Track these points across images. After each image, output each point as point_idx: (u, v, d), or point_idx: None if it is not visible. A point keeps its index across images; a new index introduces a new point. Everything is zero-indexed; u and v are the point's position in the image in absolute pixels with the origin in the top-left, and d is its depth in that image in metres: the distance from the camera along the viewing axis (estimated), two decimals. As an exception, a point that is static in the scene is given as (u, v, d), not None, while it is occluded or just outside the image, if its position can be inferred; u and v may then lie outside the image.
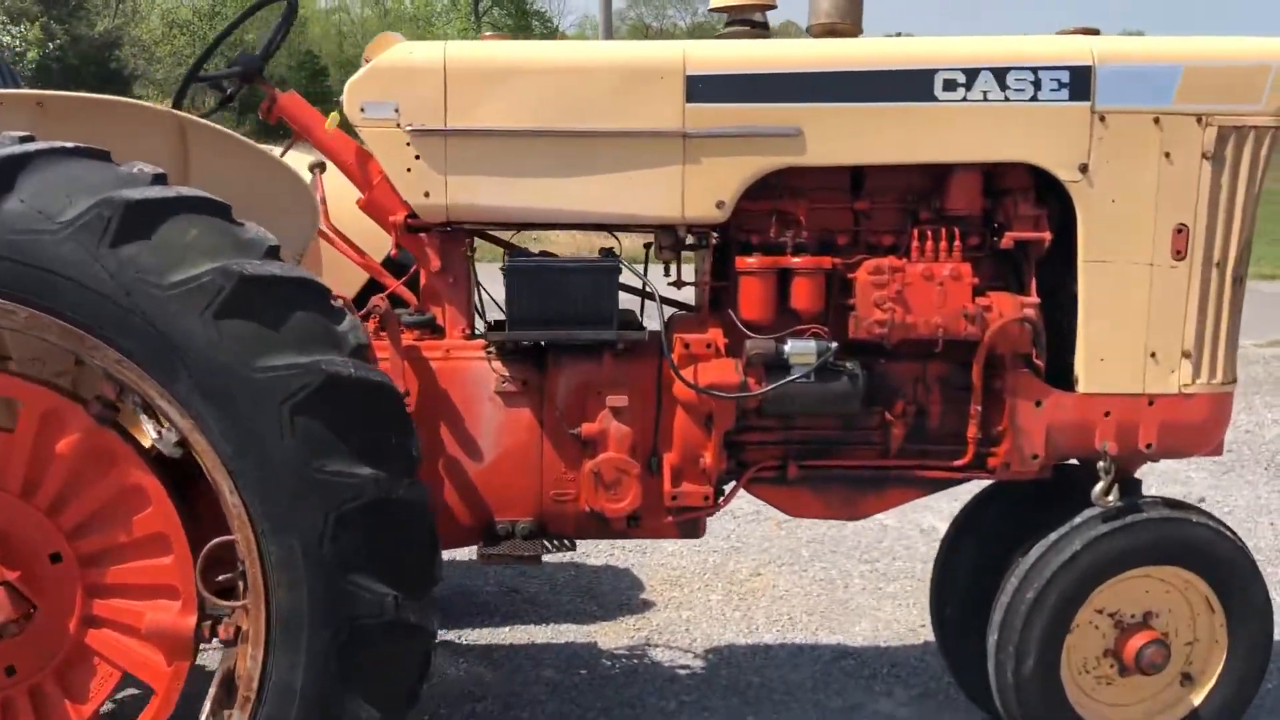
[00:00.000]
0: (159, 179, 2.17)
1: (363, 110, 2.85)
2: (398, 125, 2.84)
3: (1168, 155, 2.89)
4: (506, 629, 4.14)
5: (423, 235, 2.99)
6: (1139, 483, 3.15)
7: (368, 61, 2.89)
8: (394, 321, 2.92)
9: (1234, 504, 5.75)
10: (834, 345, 2.89)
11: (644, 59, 2.87)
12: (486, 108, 2.85)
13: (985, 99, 2.87)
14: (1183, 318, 2.95)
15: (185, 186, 2.27)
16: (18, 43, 32.44)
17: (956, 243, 2.94)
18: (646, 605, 4.41)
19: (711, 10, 3.18)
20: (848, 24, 3.11)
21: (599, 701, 3.58)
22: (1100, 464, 2.98)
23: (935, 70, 2.85)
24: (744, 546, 5.07)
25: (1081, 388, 2.97)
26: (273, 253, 2.18)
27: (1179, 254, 2.92)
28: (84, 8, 38.03)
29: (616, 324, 2.90)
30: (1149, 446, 2.99)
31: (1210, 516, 3.05)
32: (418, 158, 2.86)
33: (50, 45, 34.44)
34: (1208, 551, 3.00)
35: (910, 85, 2.86)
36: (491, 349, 2.97)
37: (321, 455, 2.08)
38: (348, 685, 2.22)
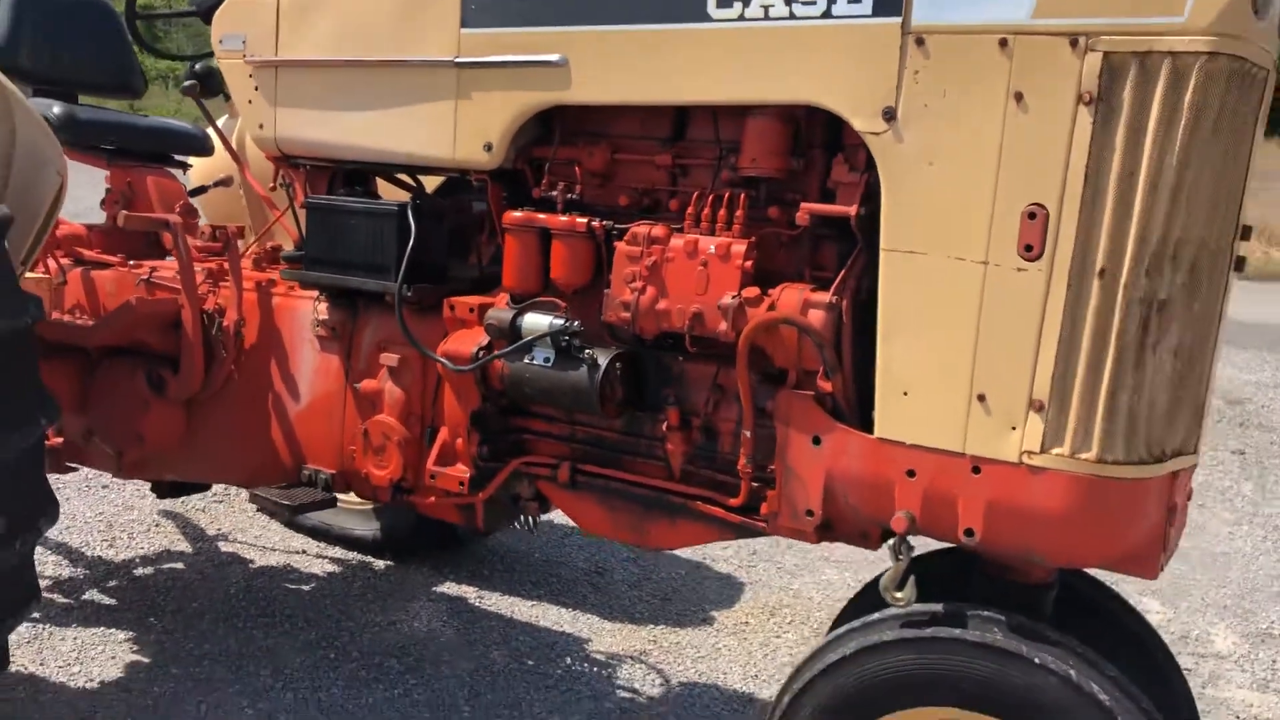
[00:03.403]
0: None
1: (221, 42, 2.90)
2: (244, 57, 2.86)
3: (1019, 97, 1.89)
4: (543, 605, 3.92)
5: (290, 170, 2.97)
6: (1014, 586, 2.15)
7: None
8: (234, 250, 2.95)
9: None
10: (572, 324, 2.35)
11: (425, -20, 2.55)
12: (308, 38, 2.74)
13: (767, 17, 2.11)
14: (1033, 348, 1.92)
15: None
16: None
17: (740, 212, 2.22)
18: (701, 621, 3.90)
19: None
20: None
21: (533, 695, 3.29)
22: (890, 542, 2.08)
23: (708, -20, 2.16)
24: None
25: (878, 430, 2.08)
26: None
27: (1031, 251, 1.90)
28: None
29: (401, 277, 2.64)
30: (969, 533, 2.01)
31: (1086, 664, 1.96)
32: (256, 89, 2.85)
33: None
34: (1051, 712, 1.94)
35: (680, 2, 2.20)
36: (322, 293, 2.87)
37: None
38: None
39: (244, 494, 4.53)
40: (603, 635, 3.70)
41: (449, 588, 3.98)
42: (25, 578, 2.51)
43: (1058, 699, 1.94)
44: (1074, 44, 1.83)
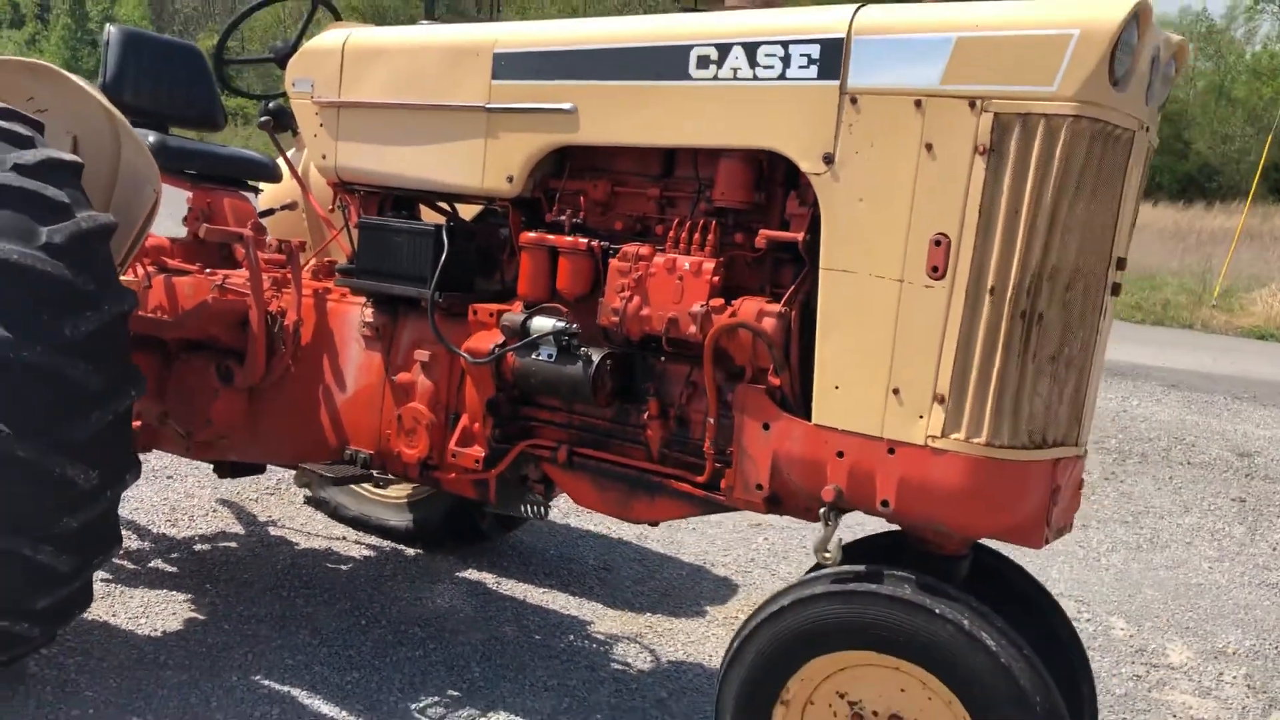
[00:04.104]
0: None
1: (294, 85, 3.42)
2: (312, 99, 3.37)
3: (929, 147, 2.33)
4: (553, 592, 4.36)
5: (347, 195, 3.47)
6: (932, 557, 2.55)
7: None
8: (295, 261, 3.46)
9: None
10: (572, 326, 2.81)
11: (465, 38, 3.05)
12: (366, 84, 3.25)
13: (735, 77, 2.58)
14: (936, 351, 2.35)
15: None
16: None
17: (711, 236, 2.68)
18: (695, 613, 4.31)
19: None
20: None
21: (544, 675, 3.71)
22: (821, 510, 2.50)
23: (690, 47, 2.63)
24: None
25: (814, 418, 2.51)
26: (26, 170, 2.84)
27: (936, 271, 2.34)
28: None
29: (434, 286, 3.11)
30: (885, 504, 2.43)
31: (979, 616, 2.35)
32: (321, 125, 3.36)
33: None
34: (948, 656, 2.35)
35: (666, 63, 2.67)
36: (369, 299, 3.36)
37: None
38: None
39: (294, 487, 5.03)
40: (604, 620, 4.13)
41: (470, 574, 4.43)
42: (111, 524, 3.01)
43: (952, 643, 2.34)
44: (972, 105, 2.27)
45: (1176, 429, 8.85)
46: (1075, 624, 4.38)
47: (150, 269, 3.80)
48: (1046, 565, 5.25)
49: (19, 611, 2.88)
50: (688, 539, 5.11)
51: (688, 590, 4.54)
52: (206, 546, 4.44)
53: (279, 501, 5.02)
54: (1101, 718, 3.26)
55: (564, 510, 5.19)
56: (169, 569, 4.17)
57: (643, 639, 3.99)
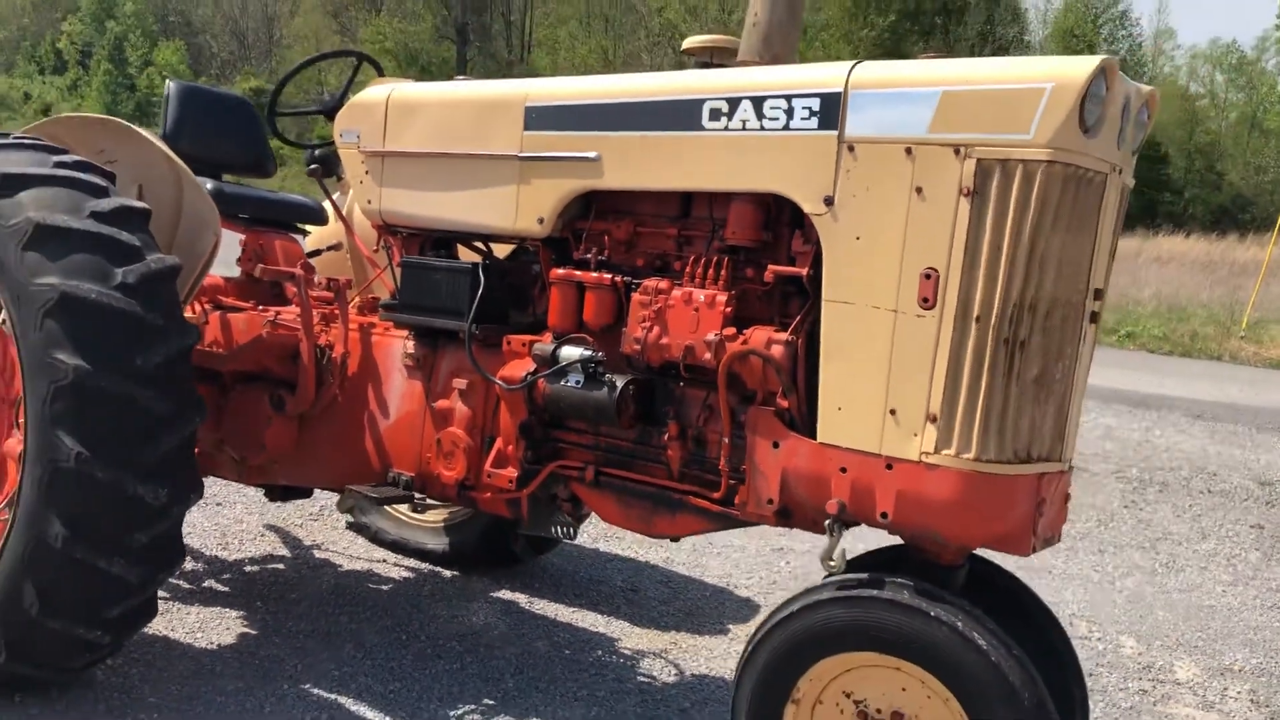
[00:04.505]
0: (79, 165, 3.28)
1: (341, 136, 3.71)
2: (358, 148, 3.66)
3: (919, 190, 2.57)
4: (583, 611, 4.58)
5: (390, 236, 3.75)
6: (939, 567, 2.76)
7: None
8: (342, 298, 3.73)
9: None
10: (598, 354, 3.05)
11: (499, 93, 3.33)
12: (408, 134, 3.53)
13: (744, 128, 2.83)
14: (928, 375, 2.57)
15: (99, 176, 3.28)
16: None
17: (724, 271, 2.93)
18: (718, 631, 4.51)
19: (683, 52, 3.47)
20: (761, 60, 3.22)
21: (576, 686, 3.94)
22: (826, 522, 2.72)
23: (703, 100, 2.89)
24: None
25: (819, 437, 2.74)
26: (102, 217, 3.13)
27: (926, 302, 2.57)
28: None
29: (471, 319, 3.37)
30: (884, 516, 2.65)
31: (972, 619, 2.56)
32: (367, 173, 3.64)
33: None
34: (944, 655, 2.55)
35: (682, 115, 2.93)
36: (411, 332, 3.62)
37: (50, 346, 3.00)
38: (48, 509, 2.93)
39: (336, 513, 5.29)
40: (631, 637, 4.34)
41: (504, 594, 4.66)
42: (175, 540, 3.27)
43: (948, 644, 2.54)
44: (957, 152, 2.51)
45: (1199, 458, 8.97)
46: (1085, 642, 4.59)
47: (207, 306, 4.09)
48: (1061, 588, 5.43)
49: (93, 620, 3.14)
50: (712, 562, 5.32)
51: (711, 610, 4.74)
52: (256, 568, 4.70)
53: (322, 526, 5.29)
54: (1102, 725, 3.45)
55: (593, 535, 5.43)
56: (222, 588, 4.42)
57: (667, 654, 4.20)
